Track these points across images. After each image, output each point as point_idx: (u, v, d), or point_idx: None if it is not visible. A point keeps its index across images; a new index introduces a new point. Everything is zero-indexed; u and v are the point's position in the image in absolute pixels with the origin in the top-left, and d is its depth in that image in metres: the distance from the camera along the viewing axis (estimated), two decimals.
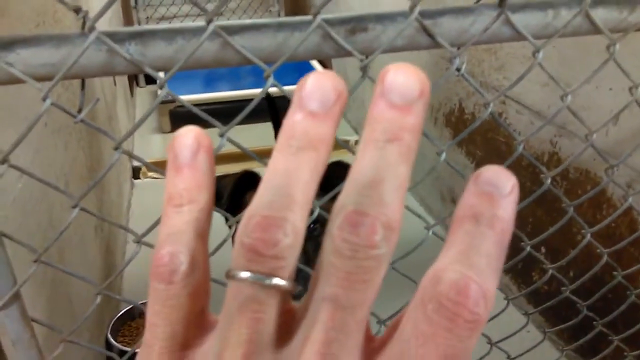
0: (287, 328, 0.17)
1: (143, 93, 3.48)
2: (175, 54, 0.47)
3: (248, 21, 0.49)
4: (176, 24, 0.47)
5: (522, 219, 1.59)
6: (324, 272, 0.16)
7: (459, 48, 0.55)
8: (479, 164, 1.86)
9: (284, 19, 0.50)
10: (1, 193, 0.79)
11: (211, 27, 0.47)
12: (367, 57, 0.53)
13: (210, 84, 3.26)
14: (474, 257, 0.16)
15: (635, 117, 1.18)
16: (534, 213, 1.55)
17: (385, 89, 0.17)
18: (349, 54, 0.52)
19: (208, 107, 3.32)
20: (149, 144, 2.85)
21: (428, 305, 0.16)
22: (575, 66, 1.32)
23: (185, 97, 2.96)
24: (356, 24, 0.51)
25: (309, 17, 0.50)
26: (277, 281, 0.16)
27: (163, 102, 2.85)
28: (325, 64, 3.28)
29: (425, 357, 0.15)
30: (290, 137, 0.18)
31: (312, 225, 0.94)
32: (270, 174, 0.17)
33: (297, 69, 2.45)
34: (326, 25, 0.49)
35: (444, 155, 0.58)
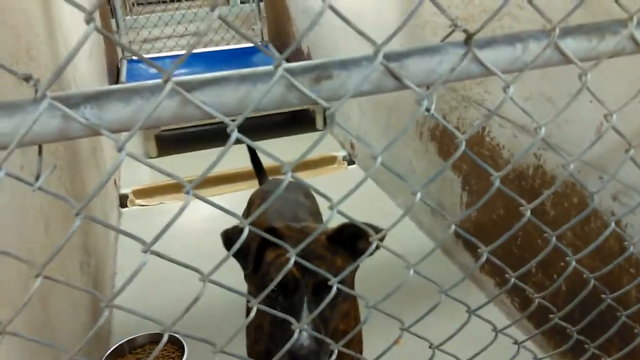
0: None
1: None
2: (134, 115, 0.46)
3: (208, 75, 0.48)
4: (132, 84, 0.46)
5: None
6: None
7: (428, 88, 0.54)
8: (465, 177, 1.85)
9: (245, 70, 0.49)
10: None
11: (169, 85, 0.45)
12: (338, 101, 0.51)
13: None
14: None
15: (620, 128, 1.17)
16: (524, 226, 1.54)
17: None
18: (315, 102, 0.50)
19: (195, 129, 3.31)
20: (137, 171, 2.82)
21: None
22: (558, 78, 1.31)
23: None
24: (320, 71, 0.50)
25: (271, 68, 0.48)
26: None
27: (148, 128, 2.82)
28: None
29: None
30: None
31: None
32: None
33: None
34: (289, 76, 0.48)
35: (418, 196, 0.56)
